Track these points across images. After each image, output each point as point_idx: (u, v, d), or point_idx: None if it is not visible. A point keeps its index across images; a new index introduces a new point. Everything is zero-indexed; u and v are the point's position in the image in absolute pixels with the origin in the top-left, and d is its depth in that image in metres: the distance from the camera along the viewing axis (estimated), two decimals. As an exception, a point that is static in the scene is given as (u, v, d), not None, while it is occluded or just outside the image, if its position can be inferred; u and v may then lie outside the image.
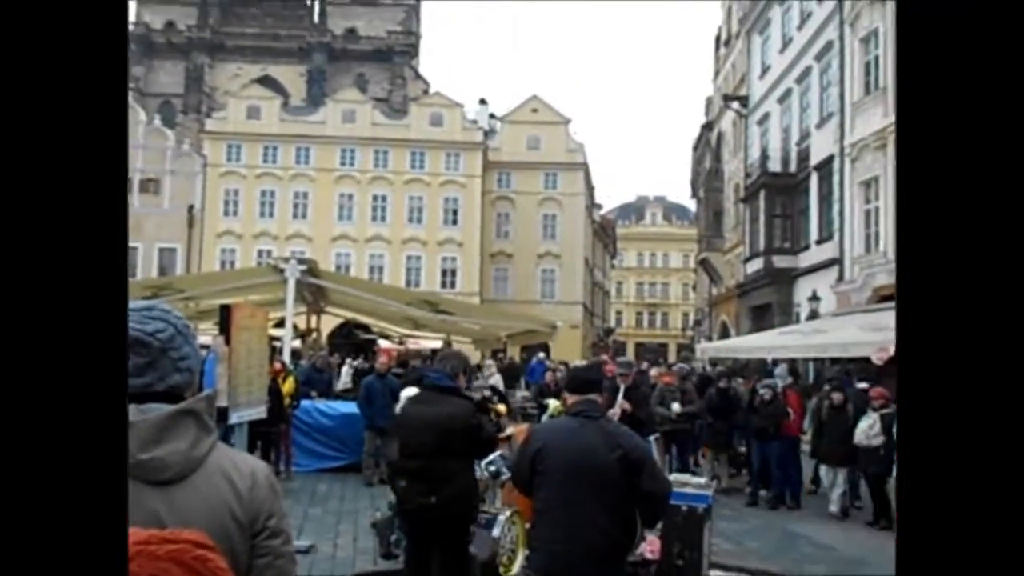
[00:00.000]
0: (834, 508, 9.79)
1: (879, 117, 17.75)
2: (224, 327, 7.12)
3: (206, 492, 1.64)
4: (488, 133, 45.32)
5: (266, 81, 54.53)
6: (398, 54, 60.13)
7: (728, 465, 11.43)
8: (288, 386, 10.80)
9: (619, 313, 75.87)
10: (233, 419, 7.22)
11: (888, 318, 13.65)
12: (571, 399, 3.82)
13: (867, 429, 9.33)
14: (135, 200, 37.39)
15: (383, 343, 21.68)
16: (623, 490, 3.47)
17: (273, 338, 16.44)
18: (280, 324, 15.06)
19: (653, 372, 12.79)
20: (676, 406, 10.76)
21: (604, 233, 59.06)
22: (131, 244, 33.98)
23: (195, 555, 1.05)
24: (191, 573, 1.02)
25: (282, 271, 14.05)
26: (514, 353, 24.50)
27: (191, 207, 40.73)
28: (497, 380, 13.88)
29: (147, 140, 39.94)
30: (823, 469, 10.32)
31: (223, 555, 1.58)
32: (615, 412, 7.48)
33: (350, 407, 11.19)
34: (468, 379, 5.44)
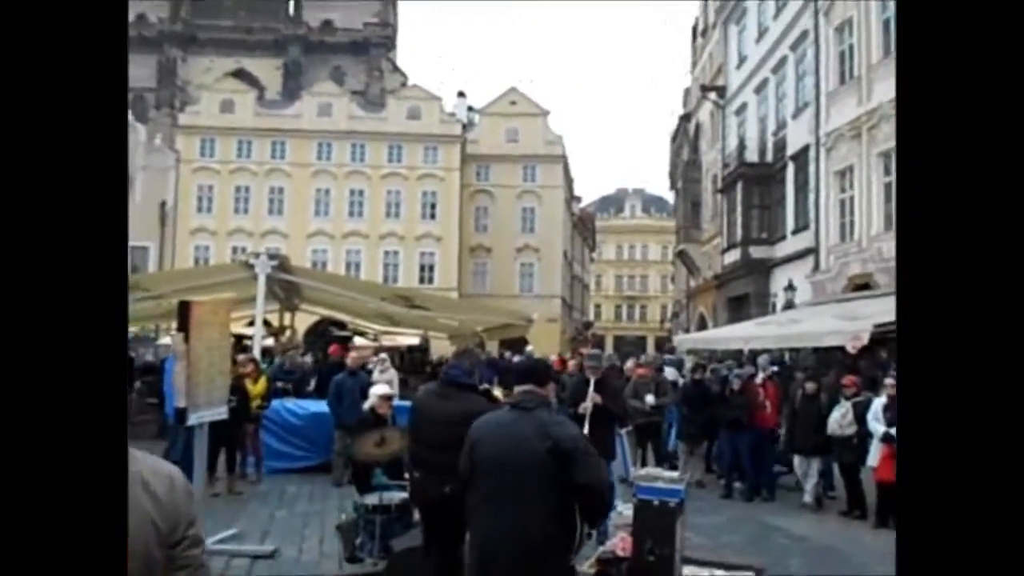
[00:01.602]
0: (808, 499, 9.73)
1: (853, 106, 17.75)
2: (183, 324, 6.90)
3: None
4: (466, 126, 45.06)
5: (240, 75, 53.81)
6: (375, 46, 59.57)
7: (704, 459, 11.36)
8: (260, 387, 10.58)
9: (598, 306, 75.90)
10: (192, 420, 7.00)
11: (862, 307, 13.65)
12: (516, 390, 3.78)
13: (840, 418, 9.26)
14: (107, 197, 36.86)
15: (358, 340, 21.44)
16: (557, 483, 3.37)
17: (244, 337, 16.20)
18: (253, 322, 14.80)
19: (628, 364, 12.69)
20: (650, 398, 10.66)
21: (583, 226, 59.02)
22: (103, 242, 33.77)
23: None
24: None
25: (252, 267, 13.78)
26: (492, 348, 24.34)
27: (163, 203, 40.16)
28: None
29: (119, 136, 39.39)
30: (796, 459, 10.24)
31: (141, 568, 1.56)
32: (587, 405, 7.33)
33: (320, 406, 10.97)
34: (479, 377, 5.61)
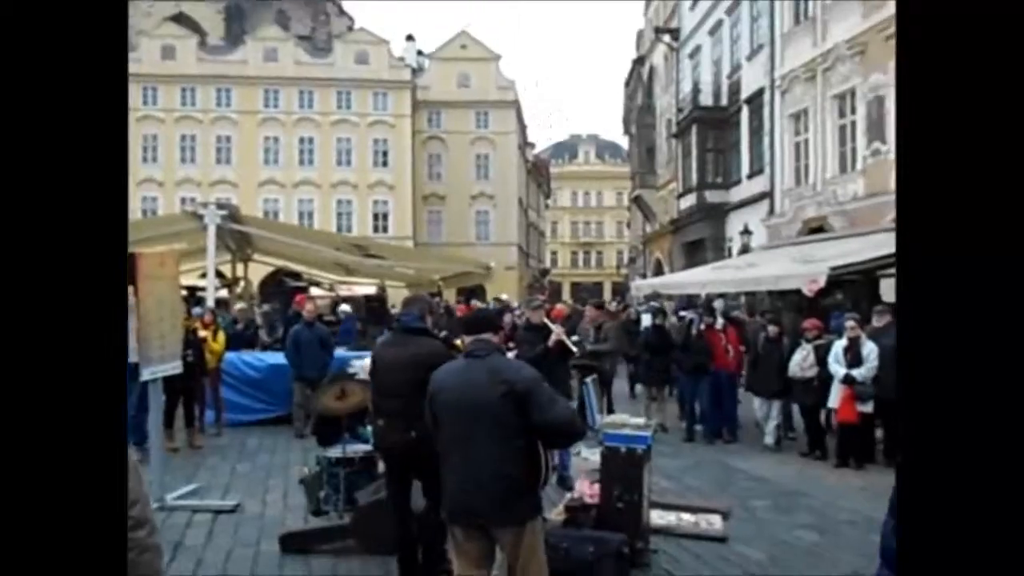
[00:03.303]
0: (769, 440, 9.86)
1: (808, 48, 17.68)
2: (130, 277, 6.61)
3: None
4: (416, 71, 44.08)
5: (180, 19, 51.62)
6: (320, -12, 57.60)
7: (665, 402, 11.44)
8: (219, 343, 10.31)
9: (554, 253, 76.02)
10: (145, 375, 6.77)
11: (817, 249, 13.78)
12: (467, 340, 3.82)
13: (801, 360, 9.35)
14: (44, 147, 35.52)
15: (314, 291, 21.07)
16: (515, 425, 3.44)
17: (197, 288, 15.78)
18: (206, 274, 14.39)
19: (588, 309, 12.66)
20: (575, 338, 10.59)
21: (537, 172, 58.68)
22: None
23: None
24: None
25: (201, 217, 13.35)
26: (449, 297, 24.18)
27: (106, 153, 38.76)
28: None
29: (53, 83, 37.75)
30: (756, 401, 10.36)
31: None
32: (559, 331, 7.28)
33: (278, 357, 10.76)
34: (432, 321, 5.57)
